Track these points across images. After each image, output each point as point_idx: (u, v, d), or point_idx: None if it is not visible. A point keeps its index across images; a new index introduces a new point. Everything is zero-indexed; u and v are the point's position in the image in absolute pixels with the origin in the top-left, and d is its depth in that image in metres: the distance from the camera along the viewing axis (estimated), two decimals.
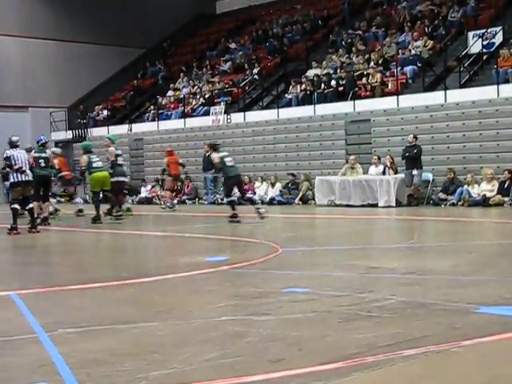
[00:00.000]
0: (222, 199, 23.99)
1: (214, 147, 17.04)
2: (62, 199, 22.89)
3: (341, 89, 23.31)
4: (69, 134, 31.93)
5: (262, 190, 23.56)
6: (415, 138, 19.61)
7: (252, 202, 17.26)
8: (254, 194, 23.68)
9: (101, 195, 17.51)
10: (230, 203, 16.27)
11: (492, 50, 21.49)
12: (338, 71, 24.29)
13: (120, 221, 17.05)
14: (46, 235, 15.02)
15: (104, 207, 17.41)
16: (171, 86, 31.07)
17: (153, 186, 26.97)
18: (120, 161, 18.42)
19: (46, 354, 4.67)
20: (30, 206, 14.87)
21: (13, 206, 14.64)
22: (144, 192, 27.29)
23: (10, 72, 31.94)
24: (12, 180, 14.67)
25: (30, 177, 14.78)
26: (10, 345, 4.99)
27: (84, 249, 12.55)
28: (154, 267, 9.15)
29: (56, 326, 5.46)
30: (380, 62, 23.49)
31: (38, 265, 9.94)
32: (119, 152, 18.74)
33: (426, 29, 24.15)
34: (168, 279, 7.88)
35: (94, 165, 17.18)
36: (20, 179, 14.50)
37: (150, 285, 7.64)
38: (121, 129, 30.04)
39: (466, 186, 18.85)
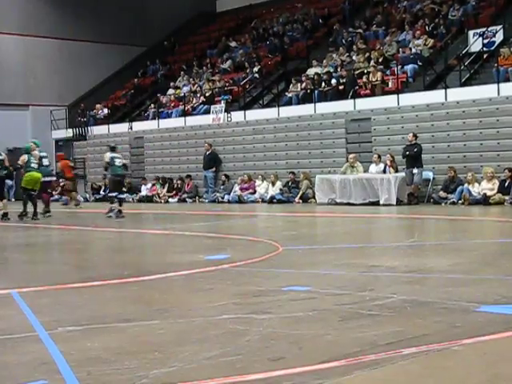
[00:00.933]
0: (223, 197, 24.06)
1: (112, 148, 19.21)
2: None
3: (341, 87, 23.31)
4: (69, 133, 31.96)
5: (262, 188, 23.56)
6: (415, 136, 19.62)
7: (121, 201, 18.65)
8: (255, 192, 23.71)
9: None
10: (111, 198, 18.43)
11: (492, 48, 21.50)
12: (339, 70, 24.28)
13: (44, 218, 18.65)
14: (45, 233, 15.04)
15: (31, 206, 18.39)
16: (171, 84, 31.08)
17: (153, 185, 26.99)
18: (45, 162, 19.78)
19: (46, 353, 4.67)
20: None
21: None
22: (144, 190, 27.29)
23: (11, 70, 31.96)
24: None
25: None
26: (11, 343, 4.99)
27: (83, 247, 12.56)
28: (154, 265, 9.15)
29: (56, 324, 5.46)
30: (380, 60, 23.49)
31: (38, 263, 9.95)
32: (44, 154, 20.04)
33: (427, 27, 24.14)
34: (168, 277, 7.88)
35: (32, 165, 18.41)
36: None
37: (151, 283, 7.65)
38: (121, 127, 30.07)
39: (466, 185, 18.85)
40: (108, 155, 18.71)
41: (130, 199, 25.83)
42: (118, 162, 18.47)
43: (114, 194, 18.43)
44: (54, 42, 33.30)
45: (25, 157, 18.42)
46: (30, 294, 6.91)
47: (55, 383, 4.02)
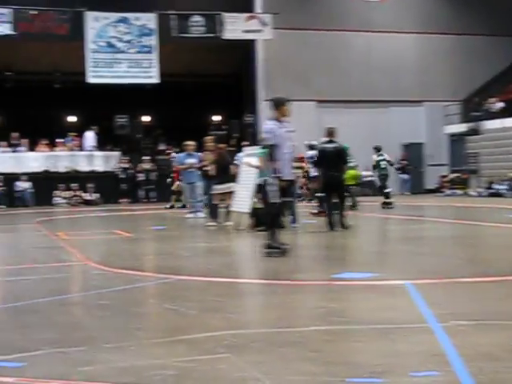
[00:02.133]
0: None
1: (377, 148, 20.69)
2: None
3: None
4: (462, 127, 31.78)
5: None
6: None
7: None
8: None
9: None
10: (386, 194, 20.16)
11: None
12: None
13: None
14: (433, 227, 15.14)
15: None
16: None
17: None
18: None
19: (437, 345, 4.72)
20: None
21: None
22: None
23: (407, 68, 32.75)
24: None
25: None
26: (403, 332, 5.13)
27: (475, 242, 12.33)
28: None
29: (449, 317, 5.48)
30: None
31: (429, 255, 10.05)
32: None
33: None
34: None
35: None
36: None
37: None
38: None
39: None
40: (374, 157, 20.51)
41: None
42: (382, 164, 20.25)
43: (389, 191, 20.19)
44: (450, 38, 33.30)
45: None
46: (423, 285, 7.00)
47: (446, 375, 4.05)
